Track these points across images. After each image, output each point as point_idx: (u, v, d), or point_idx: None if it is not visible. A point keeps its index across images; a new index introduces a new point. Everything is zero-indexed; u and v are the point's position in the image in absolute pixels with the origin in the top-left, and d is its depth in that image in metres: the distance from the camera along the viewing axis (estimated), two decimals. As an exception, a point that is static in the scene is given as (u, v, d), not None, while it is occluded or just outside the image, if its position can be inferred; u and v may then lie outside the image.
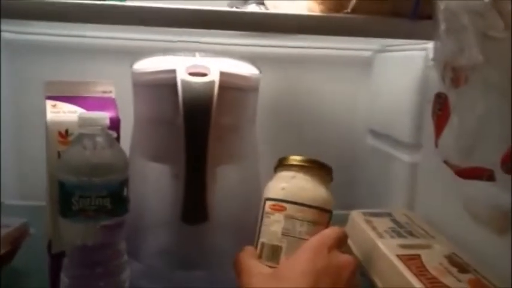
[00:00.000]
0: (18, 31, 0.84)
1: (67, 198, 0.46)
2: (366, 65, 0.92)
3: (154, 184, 0.60)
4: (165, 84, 0.51)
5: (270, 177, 0.51)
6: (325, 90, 0.92)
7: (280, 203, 0.47)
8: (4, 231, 0.60)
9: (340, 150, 0.92)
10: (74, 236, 0.48)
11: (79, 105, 0.52)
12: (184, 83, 0.46)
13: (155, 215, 0.60)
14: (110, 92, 0.55)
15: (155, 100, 0.53)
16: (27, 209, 0.85)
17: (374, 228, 0.64)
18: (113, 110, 0.53)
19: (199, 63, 0.51)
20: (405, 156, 0.78)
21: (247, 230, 0.59)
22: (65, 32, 0.82)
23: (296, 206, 0.47)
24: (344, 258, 0.44)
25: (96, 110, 0.52)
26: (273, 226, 0.47)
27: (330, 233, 0.45)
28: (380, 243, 0.59)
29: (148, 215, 0.60)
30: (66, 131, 0.50)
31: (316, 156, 0.50)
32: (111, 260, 0.50)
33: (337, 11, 0.50)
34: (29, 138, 0.88)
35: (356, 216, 0.69)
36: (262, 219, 0.49)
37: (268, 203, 0.48)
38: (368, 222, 0.67)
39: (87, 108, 0.52)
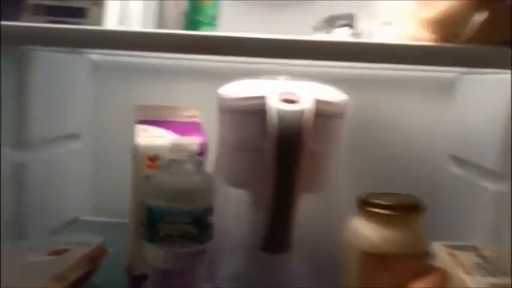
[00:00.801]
0: (105, 53, 0.87)
1: (154, 223, 0.46)
2: (448, 87, 0.88)
3: (233, 209, 0.59)
4: (254, 110, 0.50)
5: (351, 213, 0.49)
6: (403, 112, 0.88)
7: (384, 259, 0.44)
8: (84, 250, 0.61)
9: (419, 176, 0.87)
10: (158, 261, 0.47)
11: (167, 129, 0.52)
12: (276, 111, 0.45)
13: (232, 240, 0.59)
14: (196, 116, 0.55)
15: (241, 126, 0.52)
16: (101, 224, 0.88)
17: (460, 264, 0.60)
18: (200, 135, 0.53)
19: (289, 90, 0.49)
20: (491, 185, 0.73)
21: (324, 260, 0.58)
22: (151, 54, 0.84)
23: (400, 258, 0.44)
24: None
25: (183, 134, 0.52)
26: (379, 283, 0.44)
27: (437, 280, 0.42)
28: (470, 282, 0.54)
29: (226, 239, 0.59)
30: (155, 156, 0.51)
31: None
32: (191, 286, 0.49)
33: (450, 40, 0.47)
34: (107, 156, 0.91)
35: (438, 249, 0.65)
36: (361, 273, 0.46)
37: (368, 257, 0.46)
38: (452, 255, 0.62)
39: (175, 133, 0.52)
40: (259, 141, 0.51)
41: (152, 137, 0.51)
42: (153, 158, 0.51)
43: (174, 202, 0.44)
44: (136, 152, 0.50)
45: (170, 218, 0.45)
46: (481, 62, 0.50)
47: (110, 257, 0.63)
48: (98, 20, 0.40)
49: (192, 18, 0.50)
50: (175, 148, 0.46)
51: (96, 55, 0.88)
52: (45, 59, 0.72)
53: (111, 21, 0.42)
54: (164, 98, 0.82)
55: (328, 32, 0.66)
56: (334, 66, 0.79)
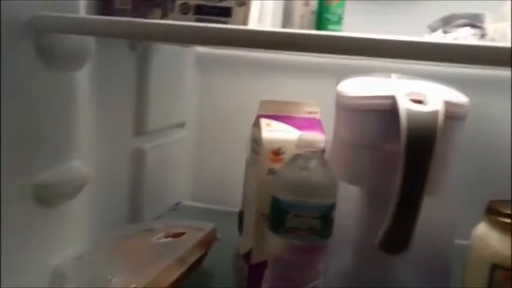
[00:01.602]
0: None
1: (281, 215, 0.47)
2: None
3: (345, 206, 0.59)
4: (378, 109, 0.50)
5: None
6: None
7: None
8: (199, 234, 0.64)
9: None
10: (281, 251, 0.49)
11: (289, 125, 0.54)
12: (408, 112, 0.45)
13: (343, 236, 0.59)
14: (316, 112, 0.56)
15: (363, 124, 0.53)
16: (202, 210, 0.92)
17: None
18: (320, 131, 0.54)
19: (415, 90, 0.49)
20: None
21: (434, 263, 0.57)
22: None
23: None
24: None
25: (305, 130, 0.53)
26: None
27: None
28: None
29: (337, 234, 0.59)
30: (279, 150, 0.52)
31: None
32: (310, 280, 0.50)
33: None
34: (210, 145, 0.95)
35: None
36: (488, 284, 0.45)
37: (498, 270, 0.44)
38: None
39: (297, 128, 0.54)
40: (381, 140, 0.51)
41: (276, 131, 0.53)
42: (277, 152, 0.52)
43: (304, 197, 0.46)
44: (262, 145, 0.52)
45: (298, 211, 0.46)
46: None
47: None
48: (243, 19, 0.42)
49: (321, 17, 0.51)
50: (303, 144, 0.48)
51: (201, 48, 0.91)
52: (161, 52, 0.76)
53: (253, 20, 0.43)
54: (267, 90, 0.84)
55: (446, 32, 0.65)
56: (447, 65, 0.76)
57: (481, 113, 0.82)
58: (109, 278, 0.50)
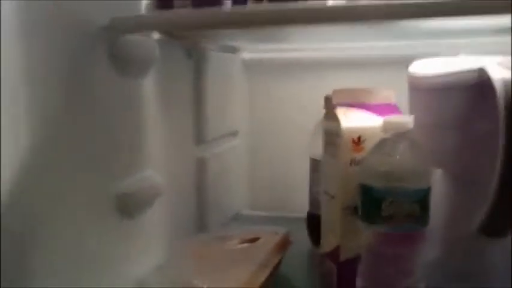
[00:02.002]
0: (255, 49, 0.89)
1: (375, 203, 0.45)
2: None
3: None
4: (463, 86, 0.47)
5: None
6: None
7: None
8: (275, 238, 0.62)
9: None
10: (378, 244, 0.46)
11: (366, 112, 0.52)
12: (505, 81, 0.42)
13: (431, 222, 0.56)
14: (391, 98, 0.54)
15: (446, 104, 0.50)
16: (262, 218, 0.90)
17: None
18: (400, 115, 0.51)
19: (504, 60, 0.46)
20: None
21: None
22: (303, 47, 0.85)
23: None
24: None
25: (383, 115, 0.51)
26: None
27: None
28: None
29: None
30: (359, 138, 0.50)
31: None
32: (409, 274, 0.47)
33: None
34: (263, 152, 0.93)
35: None
36: None
37: None
38: None
39: (375, 114, 0.51)
40: (468, 119, 0.48)
41: (354, 119, 0.50)
42: (357, 141, 0.50)
43: (399, 181, 0.43)
44: (340, 135, 0.49)
45: (394, 197, 0.44)
46: None
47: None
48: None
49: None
50: (389, 126, 0.45)
51: (247, 53, 0.91)
52: (214, 59, 0.75)
53: None
54: (314, 90, 0.82)
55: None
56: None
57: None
58: (195, 282, 0.49)
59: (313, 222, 0.71)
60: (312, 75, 0.87)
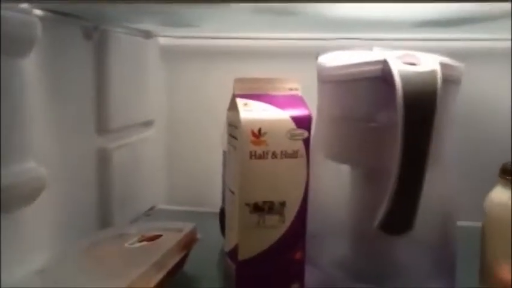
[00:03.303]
0: (173, 35, 0.85)
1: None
2: None
3: (334, 185, 0.55)
4: (367, 77, 0.46)
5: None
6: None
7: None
8: (177, 236, 0.58)
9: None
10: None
11: (269, 103, 0.48)
12: (402, 73, 0.41)
13: (336, 221, 0.55)
14: (297, 89, 0.51)
15: (350, 96, 0.48)
16: (178, 214, 0.86)
17: None
18: (304, 108, 0.49)
19: (408, 53, 0.44)
20: None
21: (441, 242, 0.53)
22: (219, 34, 0.81)
23: None
24: None
25: (287, 108, 0.48)
26: None
27: None
28: None
29: (329, 219, 0.55)
30: (260, 130, 0.47)
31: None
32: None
33: None
34: (180, 143, 0.89)
35: None
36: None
37: None
38: None
39: (278, 106, 0.48)
40: (371, 111, 0.46)
41: (255, 111, 0.47)
42: (257, 134, 0.47)
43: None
44: (240, 127, 0.46)
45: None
46: None
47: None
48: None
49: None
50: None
51: (165, 39, 0.85)
52: (120, 42, 0.69)
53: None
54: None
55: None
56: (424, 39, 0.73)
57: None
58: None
59: (225, 218, 0.68)
60: (229, 64, 0.84)
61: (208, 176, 0.88)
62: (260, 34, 0.79)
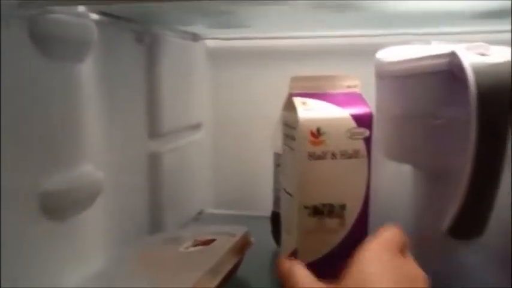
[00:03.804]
0: (220, 37, 0.84)
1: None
2: None
3: (394, 186, 0.52)
4: (432, 72, 0.43)
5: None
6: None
7: None
8: (231, 240, 0.57)
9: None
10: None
11: (327, 102, 0.47)
12: (474, 66, 0.38)
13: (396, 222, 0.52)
14: (355, 86, 0.49)
15: (414, 91, 0.46)
16: (227, 217, 0.85)
17: None
18: (365, 106, 0.46)
19: (476, 44, 0.42)
20: None
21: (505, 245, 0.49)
22: (266, 35, 0.80)
23: None
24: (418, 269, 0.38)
25: (346, 106, 0.46)
26: None
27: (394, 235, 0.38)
28: None
29: (389, 221, 0.52)
30: (319, 130, 0.45)
31: None
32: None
33: None
34: (228, 146, 0.88)
35: None
36: None
37: None
38: None
39: (336, 105, 0.46)
40: (437, 107, 0.44)
41: (313, 110, 0.45)
42: (317, 133, 0.45)
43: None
44: (298, 127, 0.45)
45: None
46: None
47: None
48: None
49: None
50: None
51: (211, 41, 0.85)
52: (170, 46, 0.69)
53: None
54: (284, 80, 0.78)
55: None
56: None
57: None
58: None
59: (277, 222, 0.66)
60: (279, 64, 0.82)
61: (256, 179, 0.87)
62: (311, 32, 0.78)
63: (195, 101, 0.81)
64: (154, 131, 0.66)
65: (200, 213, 0.85)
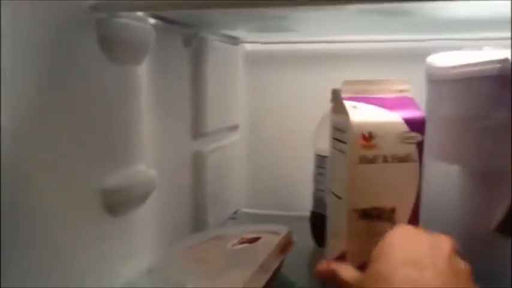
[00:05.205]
0: (259, 41, 0.85)
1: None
2: None
3: (442, 187, 0.53)
4: (485, 76, 0.44)
5: None
6: None
7: None
8: (276, 238, 0.58)
9: None
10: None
11: (378, 106, 0.47)
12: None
13: (444, 222, 0.52)
14: (407, 90, 0.49)
15: (466, 95, 0.46)
16: (262, 217, 0.86)
17: None
18: (417, 110, 0.47)
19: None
20: None
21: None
22: (307, 38, 0.81)
23: None
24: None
25: (398, 110, 0.47)
26: None
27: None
28: None
29: (437, 222, 0.53)
30: (370, 134, 0.46)
31: None
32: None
33: None
34: (262, 147, 0.89)
35: None
36: None
37: None
38: None
39: (388, 108, 0.47)
40: (488, 110, 0.45)
41: (365, 114, 0.46)
42: (368, 137, 0.46)
43: None
44: (349, 131, 0.45)
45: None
46: None
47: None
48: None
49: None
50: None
51: (249, 45, 0.86)
52: (214, 49, 0.71)
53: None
54: (319, 83, 0.79)
55: None
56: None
57: None
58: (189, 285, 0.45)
59: (317, 222, 0.67)
60: (316, 67, 0.83)
61: (291, 180, 0.88)
62: (355, 37, 0.78)
63: (234, 103, 0.83)
64: (198, 131, 0.68)
65: (235, 212, 0.87)
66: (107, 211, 0.45)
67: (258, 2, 0.39)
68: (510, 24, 0.55)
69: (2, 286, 0.33)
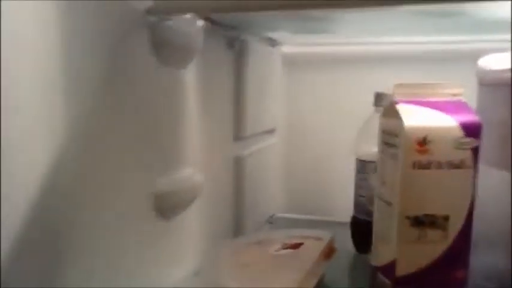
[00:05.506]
0: (296, 42, 0.85)
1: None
2: None
3: (494, 193, 0.51)
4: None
5: None
6: None
7: None
8: (320, 244, 0.57)
9: None
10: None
11: (432, 110, 0.46)
12: None
13: (494, 232, 0.51)
14: (460, 94, 0.48)
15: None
16: (299, 222, 0.85)
17: None
18: (472, 115, 0.46)
19: None
20: None
21: None
22: (348, 41, 0.80)
23: None
24: None
25: (453, 114, 0.46)
26: None
27: None
28: None
29: (487, 232, 0.51)
30: (425, 139, 0.45)
31: None
32: None
33: None
34: (300, 151, 0.88)
35: None
36: None
37: None
38: None
39: (442, 113, 0.46)
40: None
41: (419, 118, 0.45)
42: (423, 142, 0.45)
43: None
44: (403, 135, 0.44)
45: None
46: None
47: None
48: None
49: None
50: None
51: (287, 47, 0.86)
52: (255, 51, 0.71)
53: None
54: (356, 86, 0.78)
55: None
56: None
57: None
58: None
59: (358, 228, 0.66)
60: (353, 70, 0.82)
61: (328, 184, 0.87)
62: (392, 38, 0.77)
63: (272, 106, 0.82)
64: (239, 134, 0.67)
65: (272, 216, 0.86)
66: (158, 214, 0.45)
67: (316, 2, 0.38)
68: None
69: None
